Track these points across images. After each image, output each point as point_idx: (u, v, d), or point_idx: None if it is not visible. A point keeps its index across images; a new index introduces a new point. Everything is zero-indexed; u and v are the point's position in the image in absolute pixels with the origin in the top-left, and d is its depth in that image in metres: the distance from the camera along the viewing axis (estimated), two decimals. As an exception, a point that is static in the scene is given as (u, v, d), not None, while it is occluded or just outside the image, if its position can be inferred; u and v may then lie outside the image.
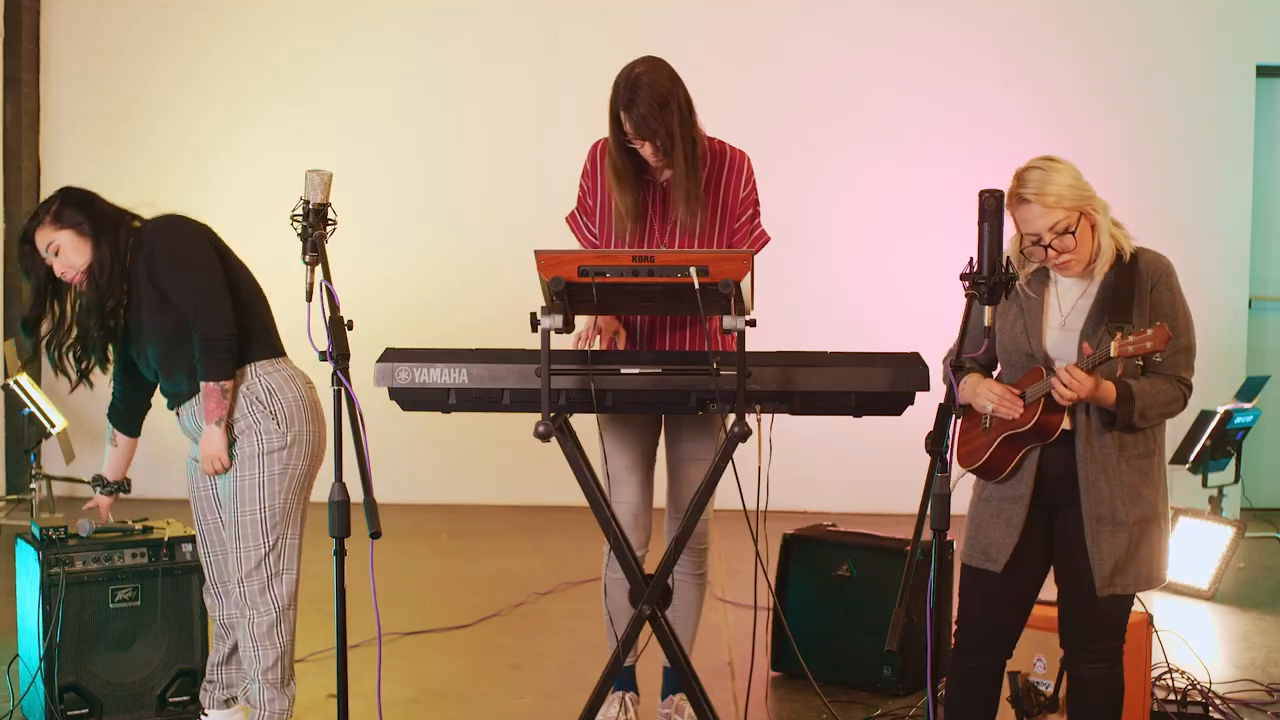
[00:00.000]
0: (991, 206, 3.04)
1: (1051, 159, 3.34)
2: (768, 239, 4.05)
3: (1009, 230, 3.39)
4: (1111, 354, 3.16)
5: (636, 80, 3.78)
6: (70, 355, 3.79)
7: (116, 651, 4.20)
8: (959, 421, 3.17)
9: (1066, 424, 3.30)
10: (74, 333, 3.80)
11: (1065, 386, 3.19)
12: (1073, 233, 3.27)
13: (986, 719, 3.56)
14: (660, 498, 4.13)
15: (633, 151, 3.87)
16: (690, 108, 3.86)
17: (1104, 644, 3.40)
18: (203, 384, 3.66)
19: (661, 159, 3.84)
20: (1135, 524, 3.32)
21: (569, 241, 4.14)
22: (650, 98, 3.76)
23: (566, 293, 3.42)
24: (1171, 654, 4.57)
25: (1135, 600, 4.10)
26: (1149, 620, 4.10)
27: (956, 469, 3.56)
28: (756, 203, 4.02)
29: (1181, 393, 3.33)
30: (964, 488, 3.55)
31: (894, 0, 7.62)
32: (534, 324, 3.46)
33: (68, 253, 3.71)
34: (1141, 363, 3.22)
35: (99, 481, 4.04)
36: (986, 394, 3.37)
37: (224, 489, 3.76)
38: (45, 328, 3.80)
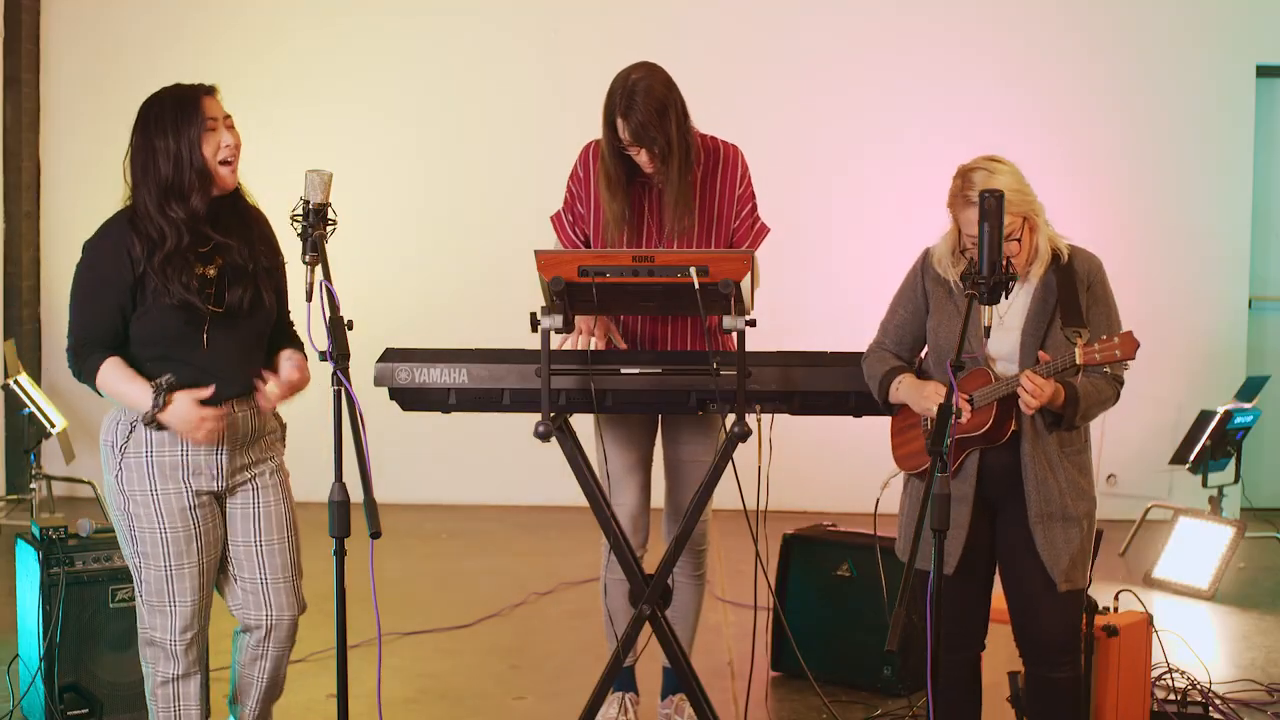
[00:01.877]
0: (991, 207, 3.05)
1: (995, 159, 3.34)
2: (768, 230, 4.05)
3: (946, 228, 3.40)
4: (1077, 361, 3.17)
5: (634, 87, 3.77)
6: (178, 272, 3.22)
7: (116, 651, 4.20)
8: (957, 418, 3.16)
9: (1014, 425, 3.32)
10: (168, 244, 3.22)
11: (1030, 395, 3.20)
12: (1017, 239, 3.30)
13: (974, 713, 3.57)
14: (658, 498, 4.13)
15: (625, 157, 3.87)
16: (685, 113, 3.85)
17: (1068, 644, 3.42)
18: (294, 354, 3.39)
19: (658, 165, 3.84)
20: (1084, 517, 3.36)
21: (554, 240, 4.13)
22: (648, 104, 3.75)
23: (566, 293, 3.42)
24: (1171, 654, 4.57)
25: (1134, 599, 4.12)
26: (1149, 620, 4.10)
27: (892, 468, 3.57)
28: (753, 197, 4.03)
29: (1116, 390, 3.38)
30: (893, 490, 3.56)
31: (894, 0, 7.62)
32: (534, 324, 3.47)
33: (239, 137, 3.32)
34: (1106, 369, 3.24)
35: (165, 387, 3.21)
36: (933, 396, 3.35)
37: (271, 513, 3.42)
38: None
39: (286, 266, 3.45)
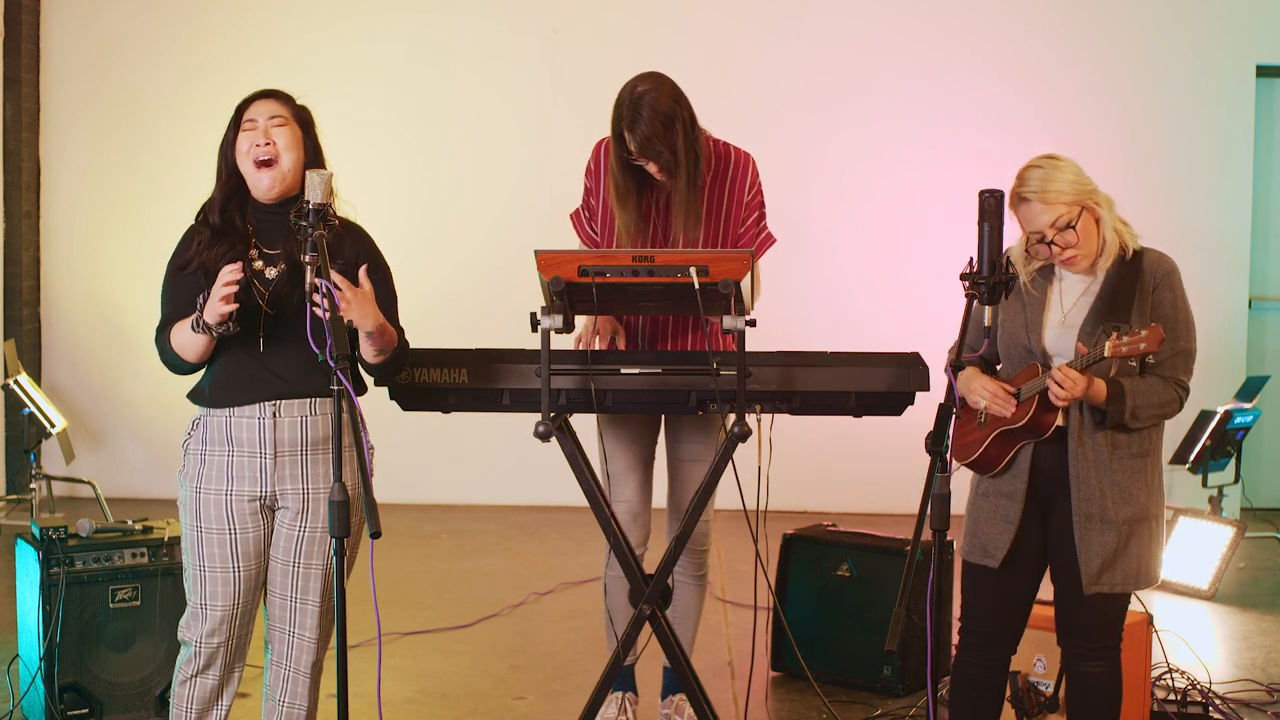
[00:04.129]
0: (991, 206, 3.05)
1: (1053, 157, 3.35)
2: (773, 241, 4.04)
3: (1010, 230, 3.39)
4: (1105, 354, 3.16)
5: (639, 100, 3.76)
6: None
7: (116, 651, 4.21)
8: (957, 418, 3.16)
9: (1060, 421, 3.31)
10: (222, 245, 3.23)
11: (1059, 386, 3.20)
12: (1074, 227, 3.28)
13: (993, 717, 3.57)
14: (660, 498, 4.13)
15: (635, 166, 3.86)
16: (694, 122, 3.84)
17: (1100, 642, 3.41)
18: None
19: (666, 176, 3.84)
20: (1125, 523, 3.32)
21: (570, 241, 4.14)
22: (654, 118, 3.74)
23: (566, 293, 3.42)
24: (1171, 654, 4.57)
25: (1134, 600, 4.11)
26: (1149, 620, 4.10)
27: (953, 463, 3.57)
28: (762, 205, 4.02)
29: (1177, 395, 3.33)
30: (962, 483, 3.55)
31: (893, 2, 7.62)
32: (534, 324, 3.47)
33: (287, 138, 3.28)
34: (1135, 363, 3.22)
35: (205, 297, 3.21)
36: (980, 390, 3.38)
37: (317, 538, 3.29)
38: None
39: (391, 277, 3.40)
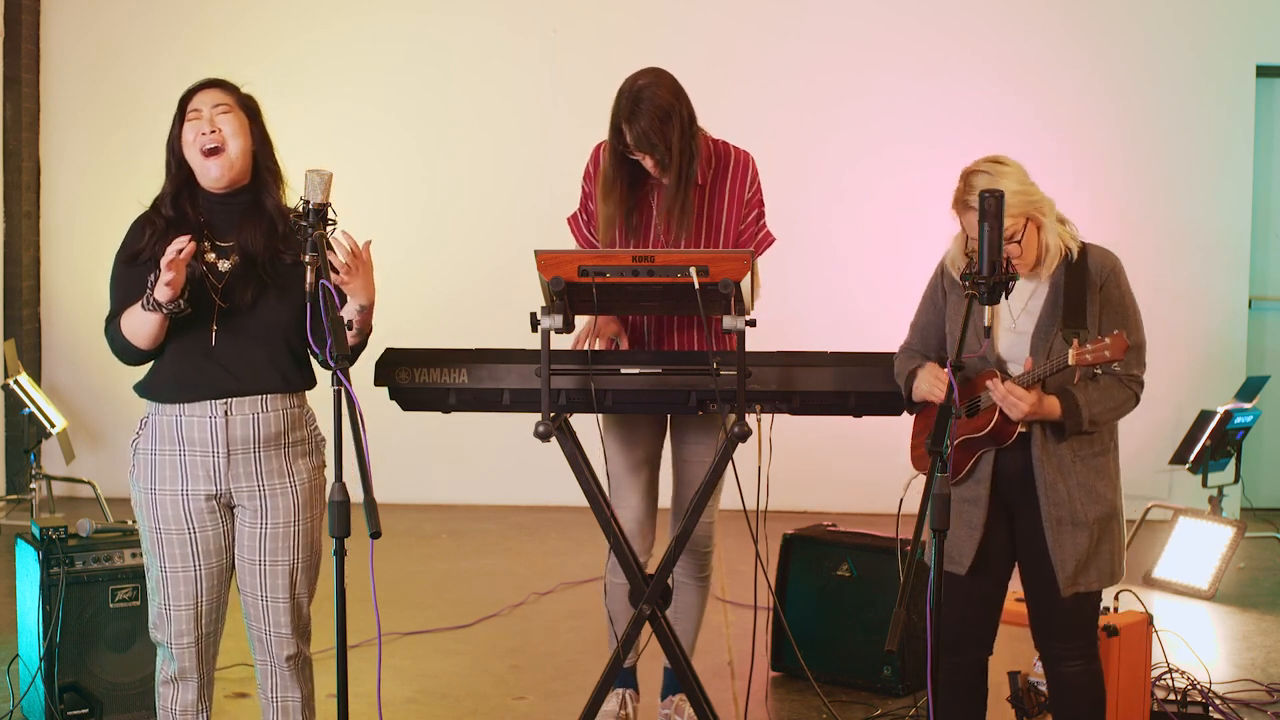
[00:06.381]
0: (991, 207, 3.04)
1: (998, 161, 3.30)
2: (773, 240, 4.04)
3: (955, 230, 3.38)
4: (1070, 363, 3.16)
5: (639, 93, 3.77)
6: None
7: (116, 651, 4.21)
8: (957, 417, 3.15)
9: (1022, 427, 3.31)
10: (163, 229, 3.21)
11: (1004, 404, 3.20)
12: (1018, 241, 3.27)
13: (977, 716, 3.56)
14: (664, 499, 4.13)
15: (631, 161, 3.87)
16: (692, 120, 3.85)
17: (1076, 642, 3.41)
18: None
19: (660, 171, 3.84)
20: (1095, 522, 3.32)
21: (571, 242, 4.14)
22: (652, 111, 3.75)
23: (566, 293, 3.42)
24: (1171, 654, 4.57)
25: (1134, 600, 4.12)
26: (1149, 620, 4.10)
27: (910, 471, 3.56)
28: (761, 204, 4.02)
29: (1133, 392, 3.33)
30: (916, 489, 3.54)
31: (893, 2, 7.62)
32: (534, 324, 3.47)
33: (233, 125, 3.26)
34: (1100, 370, 3.22)
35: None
36: (934, 381, 3.37)
37: (279, 534, 3.30)
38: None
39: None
